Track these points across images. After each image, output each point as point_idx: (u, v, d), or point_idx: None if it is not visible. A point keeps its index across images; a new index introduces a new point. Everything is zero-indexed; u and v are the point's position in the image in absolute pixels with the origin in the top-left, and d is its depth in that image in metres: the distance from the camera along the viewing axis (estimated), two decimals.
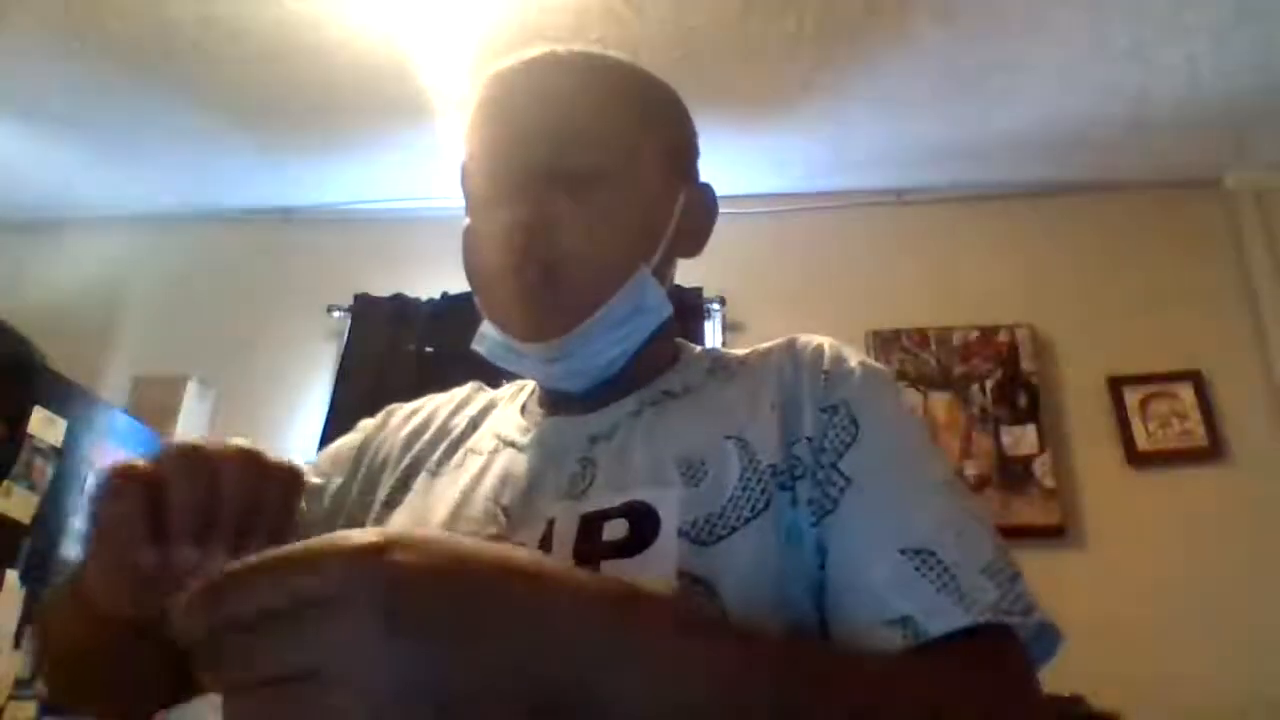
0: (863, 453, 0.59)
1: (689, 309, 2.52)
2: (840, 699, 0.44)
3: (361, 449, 0.77)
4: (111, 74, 2.39)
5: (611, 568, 0.56)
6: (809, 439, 0.60)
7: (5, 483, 1.77)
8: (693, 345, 0.78)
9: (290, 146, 2.71)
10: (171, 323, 2.91)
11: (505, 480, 0.66)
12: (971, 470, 2.38)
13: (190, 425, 2.63)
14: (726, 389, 0.67)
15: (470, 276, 0.70)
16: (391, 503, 0.71)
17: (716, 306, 2.62)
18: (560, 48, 0.71)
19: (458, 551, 0.37)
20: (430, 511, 0.67)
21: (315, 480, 0.73)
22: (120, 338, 2.89)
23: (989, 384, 2.49)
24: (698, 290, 2.57)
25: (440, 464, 0.73)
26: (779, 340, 0.69)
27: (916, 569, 0.53)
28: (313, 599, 0.33)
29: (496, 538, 0.61)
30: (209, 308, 2.91)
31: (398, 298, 2.72)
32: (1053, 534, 2.29)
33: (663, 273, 0.71)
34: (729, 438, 0.62)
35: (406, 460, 0.74)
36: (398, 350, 2.63)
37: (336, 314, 2.77)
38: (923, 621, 0.51)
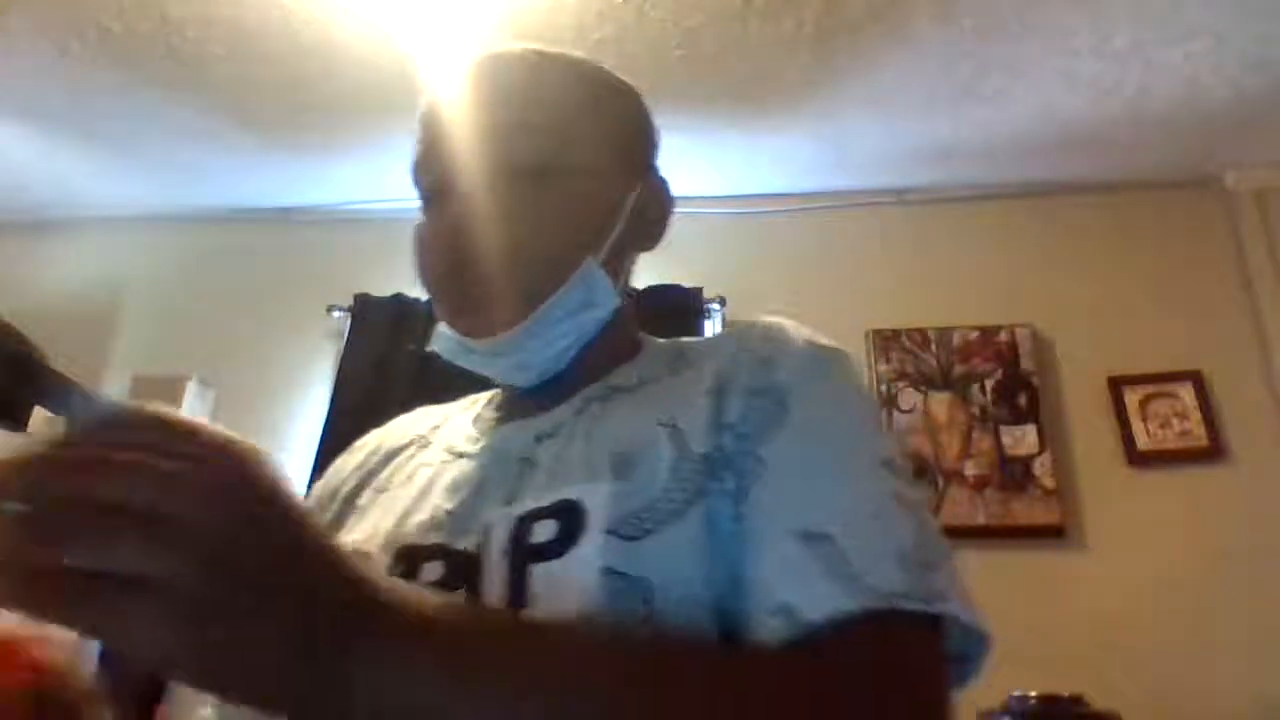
0: (785, 437, 0.55)
1: (689, 309, 2.52)
2: (641, 693, 0.43)
3: (320, 498, 0.75)
4: (111, 74, 2.38)
5: (539, 570, 0.53)
6: (731, 425, 0.57)
7: None
8: (659, 339, 0.74)
9: (290, 146, 2.71)
10: (171, 323, 2.91)
11: (452, 488, 0.64)
12: (971, 470, 2.38)
13: None
14: (677, 377, 0.64)
15: (420, 276, 0.69)
16: (339, 523, 0.69)
17: (716, 306, 2.61)
18: (512, 46, 0.70)
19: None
20: (378, 522, 0.65)
21: None
22: (120, 338, 2.89)
23: (989, 384, 2.48)
24: (698, 290, 2.56)
25: (389, 480, 0.71)
26: (736, 324, 0.67)
27: (807, 552, 0.49)
28: (168, 512, 0.34)
29: (437, 546, 0.60)
30: (209, 308, 2.90)
31: (398, 298, 2.72)
32: (1053, 534, 2.29)
33: (615, 267, 0.69)
34: (662, 425, 0.59)
35: (352, 483, 0.73)
36: (398, 350, 2.62)
37: (336, 314, 2.77)
38: (803, 609, 0.47)
